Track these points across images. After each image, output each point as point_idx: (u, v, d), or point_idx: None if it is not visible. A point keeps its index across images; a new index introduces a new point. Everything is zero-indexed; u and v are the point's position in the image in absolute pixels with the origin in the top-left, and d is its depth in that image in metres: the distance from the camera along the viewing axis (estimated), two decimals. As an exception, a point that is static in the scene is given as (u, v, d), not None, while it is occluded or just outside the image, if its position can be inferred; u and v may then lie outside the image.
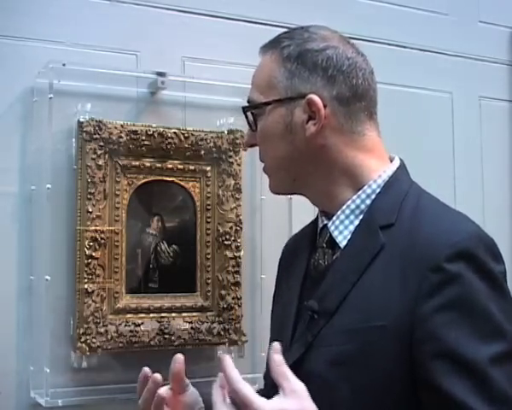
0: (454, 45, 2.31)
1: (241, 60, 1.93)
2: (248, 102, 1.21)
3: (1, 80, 1.69)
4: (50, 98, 1.65)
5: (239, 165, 1.86)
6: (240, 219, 1.85)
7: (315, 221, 1.26)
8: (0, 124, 1.69)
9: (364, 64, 1.18)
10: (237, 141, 1.86)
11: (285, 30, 1.23)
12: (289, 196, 1.93)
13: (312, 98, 1.13)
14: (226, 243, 1.83)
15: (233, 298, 1.83)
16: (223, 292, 1.83)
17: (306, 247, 1.23)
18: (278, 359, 0.94)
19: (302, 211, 1.91)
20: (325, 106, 1.13)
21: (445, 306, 0.99)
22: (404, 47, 2.21)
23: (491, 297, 1.00)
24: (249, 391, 0.89)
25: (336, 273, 1.12)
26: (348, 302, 1.07)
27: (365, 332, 1.04)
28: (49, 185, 1.65)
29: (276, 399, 0.91)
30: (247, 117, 1.22)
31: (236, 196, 1.85)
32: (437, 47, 2.28)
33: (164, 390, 1.22)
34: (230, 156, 1.85)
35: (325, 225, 1.18)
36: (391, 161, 1.19)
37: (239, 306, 1.84)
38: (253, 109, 1.20)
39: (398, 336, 1.01)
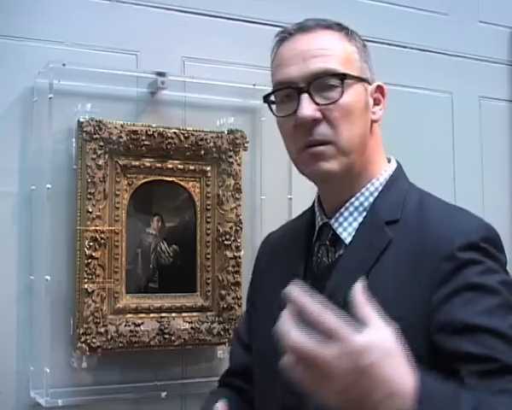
0: (454, 45, 2.31)
1: (241, 60, 1.93)
2: (318, 75, 1.12)
3: (1, 80, 1.69)
4: (50, 98, 1.65)
5: (239, 165, 1.86)
6: (240, 219, 1.85)
7: (306, 218, 1.25)
8: (0, 124, 1.69)
9: None
10: (237, 141, 1.86)
11: (277, 29, 1.24)
12: (289, 196, 1.93)
13: (382, 85, 1.18)
14: (226, 243, 1.83)
15: (233, 298, 1.83)
16: (223, 292, 1.83)
17: (300, 245, 1.22)
18: (363, 300, 0.85)
19: (302, 211, 1.92)
20: None
21: (460, 289, 1.01)
22: (404, 47, 2.21)
23: (502, 281, 1.04)
24: (336, 319, 0.81)
25: (343, 269, 1.13)
26: None
27: None
28: (49, 185, 1.65)
29: (370, 331, 0.82)
30: (342, 84, 1.11)
31: (236, 196, 1.85)
32: (437, 47, 2.28)
33: None
34: (230, 156, 1.85)
35: (326, 223, 1.18)
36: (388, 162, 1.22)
37: (239, 306, 1.84)
38: (339, 80, 1.11)
39: (413, 325, 1.02)
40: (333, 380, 0.80)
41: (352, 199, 1.16)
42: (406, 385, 0.82)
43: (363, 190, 1.16)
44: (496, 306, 1.01)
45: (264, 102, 1.20)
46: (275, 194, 1.93)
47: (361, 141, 1.14)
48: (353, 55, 1.16)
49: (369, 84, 1.17)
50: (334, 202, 1.18)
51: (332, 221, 1.17)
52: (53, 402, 1.62)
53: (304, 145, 1.13)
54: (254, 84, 1.89)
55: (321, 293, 1.09)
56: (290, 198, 1.93)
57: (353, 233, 1.15)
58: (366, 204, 1.16)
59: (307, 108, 1.11)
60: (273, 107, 1.19)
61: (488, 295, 1.01)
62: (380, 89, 1.19)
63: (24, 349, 1.67)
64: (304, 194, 1.93)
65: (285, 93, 1.15)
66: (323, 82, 1.12)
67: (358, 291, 0.86)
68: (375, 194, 1.16)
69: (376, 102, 1.18)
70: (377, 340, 0.82)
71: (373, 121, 1.17)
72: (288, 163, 1.92)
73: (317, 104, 1.11)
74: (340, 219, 1.17)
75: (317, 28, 1.17)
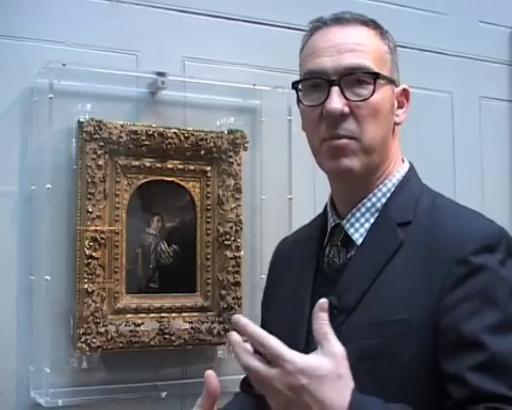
0: (454, 45, 2.31)
1: (241, 60, 1.93)
2: (351, 70, 1.12)
3: (1, 80, 1.69)
4: (50, 98, 1.65)
5: (239, 165, 1.86)
6: (240, 219, 1.85)
7: (319, 221, 1.26)
8: (0, 124, 1.69)
9: None
10: (237, 141, 1.86)
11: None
12: (289, 196, 1.93)
13: (408, 89, 1.19)
14: (226, 243, 1.83)
15: (233, 298, 1.83)
16: (223, 292, 1.83)
17: (312, 247, 1.23)
18: (323, 316, 0.94)
19: (302, 211, 1.92)
20: None
21: (470, 295, 1.01)
22: (404, 47, 2.21)
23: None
24: (279, 344, 0.90)
25: (354, 270, 1.13)
26: (369, 298, 1.09)
27: (389, 326, 1.05)
28: (49, 185, 1.65)
29: (312, 355, 0.91)
30: (375, 83, 1.12)
31: (236, 196, 1.85)
32: (437, 47, 2.28)
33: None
34: (230, 156, 1.85)
35: (337, 224, 1.19)
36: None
37: (239, 306, 1.84)
38: (371, 78, 1.12)
39: (422, 329, 1.03)
40: (278, 395, 0.91)
41: (365, 200, 1.16)
42: (339, 407, 0.90)
43: (375, 190, 1.16)
44: (501, 322, 1.00)
45: (293, 88, 1.19)
46: (275, 194, 1.93)
47: (383, 142, 1.15)
48: (386, 55, 1.17)
49: (397, 86, 1.18)
50: (347, 202, 1.19)
51: (344, 222, 1.18)
52: (53, 402, 1.62)
53: (327, 137, 1.13)
54: (254, 84, 1.89)
55: (331, 294, 1.11)
56: (290, 198, 1.93)
57: (365, 234, 1.15)
58: (378, 205, 1.16)
59: (337, 101, 1.10)
60: (300, 94, 1.17)
61: (498, 307, 1.01)
62: (405, 92, 1.20)
63: (24, 349, 1.67)
64: (304, 194, 1.94)
65: (314, 82, 1.15)
66: (356, 78, 1.12)
67: (322, 308, 0.95)
68: (388, 195, 1.16)
69: (400, 105, 1.19)
70: (313, 364, 0.90)
71: (396, 124, 1.18)
72: (288, 163, 1.93)
73: (347, 99, 1.11)
74: (352, 220, 1.17)
75: (354, 22, 1.17)
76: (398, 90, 1.19)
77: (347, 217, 1.17)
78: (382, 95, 1.14)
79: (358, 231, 1.16)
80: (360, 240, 1.15)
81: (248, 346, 0.93)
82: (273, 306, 1.31)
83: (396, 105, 1.18)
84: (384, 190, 1.17)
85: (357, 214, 1.16)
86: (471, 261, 1.02)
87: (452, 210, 1.14)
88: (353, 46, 1.13)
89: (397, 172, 1.18)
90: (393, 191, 1.16)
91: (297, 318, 1.17)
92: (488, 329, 0.99)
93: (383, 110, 1.14)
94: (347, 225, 1.17)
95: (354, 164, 1.13)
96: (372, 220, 1.15)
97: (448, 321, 1.01)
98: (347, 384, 0.92)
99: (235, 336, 0.93)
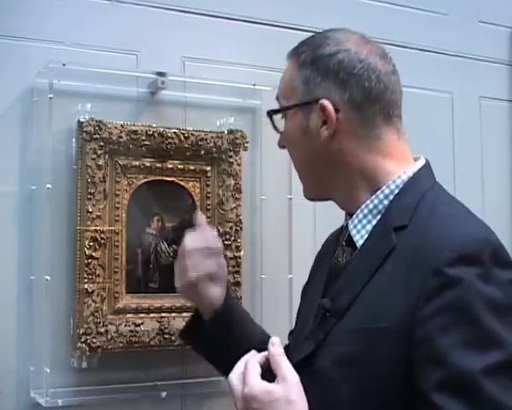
0: (454, 45, 2.31)
1: (241, 60, 1.93)
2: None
3: (1, 80, 1.69)
4: (50, 98, 1.65)
5: (239, 165, 1.86)
6: (240, 219, 1.85)
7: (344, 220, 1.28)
8: (0, 124, 1.69)
9: (380, 65, 1.18)
10: (237, 141, 1.86)
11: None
12: (289, 196, 1.93)
13: (323, 103, 1.15)
14: (226, 243, 1.83)
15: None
16: (223, 292, 1.83)
17: (332, 245, 1.26)
18: (275, 350, 1.04)
19: (302, 211, 1.93)
20: (338, 110, 1.15)
21: (442, 310, 0.98)
22: (404, 47, 2.21)
23: (491, 304, 0.98)
24: (253, 369, 1.04)
25: (350, 272, 1.14)
26: (359, 302, 1.09)
27: (369, 333, 1.04)
28: (49, 185, 1.65)
29: (268, 382, 1.02)
30: (272, 120, 1.26)
31: (236, 196, 1.85)
32: (437, 47, 2.28)
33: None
34: (230, 156, 1.85)
35: (346, 224, 1.20)
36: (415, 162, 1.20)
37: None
38: (276, 113, 1.25)
39: (399, 338, 1.01)
40: None
41: (367, 202, 1.16)
42: None
43: (378, 192, 1.16)
44: (471, 340, 0.96)
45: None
46: (275, 194, 1.93)
47: (310, 163, 1.20)
48: (295, 82, 1.19)
49: (317, 102, 1.16)
50: (347, 208, 1.21)
51: (349, 223, 1.19)
52: (53, 402, 1.62)
53: None
54: (254, 84, 1.89)
55: (327, 296, 1.13)
56: (290, 198, 1.93)
57: (366, 236, 1.15)
58: (381, 207, 1.15)
59: (279, 137, 1.29)
60: None
61: (470, 323, 0.97)
62: (321, 107, 1.16)
63: (24, 349, 1.66)
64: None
65: None
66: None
67: (275, 345, 1.05)
68: (391, 197, 1.15)
69: (326, 121, 1.16)
70: (266, 390, 1.00)
71: (325, 140, 1.16)
72: (288, 163, 1.93)
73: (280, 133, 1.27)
74: (355, 222, 1.17)
75: (287, 58, 1.25)
76: (317, 107, 1.16)
77: (352, 218, 1.18)
78: (290, 124, 1.22)
79: (360, 232, 1.16)
80: (361, 242, 1.15)
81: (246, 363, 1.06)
82: (302, 299, 1.39)
83: (319, 123, 1.16)
84: (387, 191, 1.15)
85: (360, 216, 1.17)
86: (445, 273, 0.98)
87: (444, 214, 1.11)
88: (279, 85, 1.26)
89: (403, 173, 1.16)
90: (397, 193, 1.15)
91: (309, 313, 1.21)
92: (456, 346, 0.95)
93: (293, 138, 1.22)
94: (351, 226, 1.18)
95: (304, 191, 1.27)
96: (374, 222, 1.15)
97: (419, 334, 0.99)
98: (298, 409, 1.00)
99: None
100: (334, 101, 1.15)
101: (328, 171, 1.19)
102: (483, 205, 2.24)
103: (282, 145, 1.28)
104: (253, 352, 1.08)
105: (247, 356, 1.07)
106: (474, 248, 1.01)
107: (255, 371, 1.02)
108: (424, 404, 0.97)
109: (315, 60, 1.16)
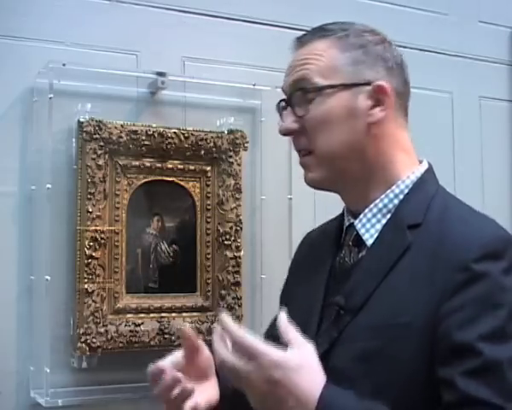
0: (454, 45, 2.31)
1: (241, 60, 1.93)
2: (296, 87, 1.17)
3: (1, 80, 1.69)
4: (50, 98, 1.65)
5: (239, 165, 1.86)
6: (240, 219, 1.85)
7: (339, 219, 1.27)
8: (0, 124, 1.69)
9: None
10: (237, 141, 1.86)
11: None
12: (289, 196, 1.93)
13: (382, 84, 1.15)
14: (226, 243, 1.83)
15: (233, 298, 1.83)
16: (223, 292, 1.83)
17: (330, 245, 1.24)
18: (285, 321, 1.00)
19: (302, 211, 1.93)
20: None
21: (468, 302, 1.00)
22: (404, 47, 2.20)
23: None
24: (253, 340, 0.96)
25: (363, 271, 1.13)
26: (374, 300, 1.09)
27: (390, 329, 1.05)
28: (49, 185, 1.65)
29: (284, 351, 0.97)
30: (288, 103, 1.18)
31: (236, 196, 1.85)
32: (437, 47, 2.28)
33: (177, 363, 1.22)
34: (230, 156, 1.85)
35: (352, 224, 1.19)
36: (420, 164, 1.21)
37: (239, 306, 1.84)
38: (315, 92, 1.15)
39: (421, 334, 1.02)
40: (254, 388, 0.97)
41: (377, 200, 1.16)
42: (311, 396, 0.95)
43: (387, 191, 1.16)
44: (497, 330, 0.99)
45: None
46: (275, 194, 1.93)
47: (346, 147, 1.15)
48: (340, 61, 1.16)
49: (367, 85, 1.15)
50: (354, 205, 1.20)
51: (356, 222, 1.18)
52: (53, 402, 1.62)
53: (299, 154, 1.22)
54: (254, 84, 1.89)
55: (340, 294, 1.12)
56: (290, 198, 1.93)
57: (375, 235, 1.15)
58: (390, 206, 1.15)
59: (285, 120, 1.19)
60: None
61: (497, 315, 1.00)
62: (379, 88, 1.15)
63: (24, 349, 1.67)
64: (304, 194, 1.93)
65: (282, 104, 1.22)
66: (301, 94, 1.16)
67: (283, 320, 1.00)
68: (401, 196, 1.15)
69: (377, 103, 1.15)
70: (287, 358, 0.96)
71: (370, 123, 1.15)
72: (288, 163, 1.93)
73: (297, 116, 1.17)
74: (364, 221, 1.17)
75: (312, 39, 1.19)
76: (369, 89, 1.15)
77: (360, 217, 1.17)
78: (331, 104, 1.15)
79: (369, 231, 1.16)
80: (370, 241, 1.15)
81: (228, 343, 0.99)
82: (293, 300, 1.32)
83: (367, 105, 1.15)
84: (396, 191, 1.16)
85: (369, 215, 1.16)
86: (472, 268, 1.02)
87: (462, 215, 1.13)
88: (300, 63, 1.18)
89: (411, 173, 1.17)
90: (407, 193, 1.15)
91: (309, 313, 1.20)
92: (483, 336, 0.98)
93: (334, 118, 1.15)
94: (359, 226, 1.17)
95: (317, 175, 1.18)
96: (384, 221, 1.15)
97: (445, 327, 1.01)
98: (319, 375, 0.98)
99: (217, 332, 1.02)
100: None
101: (355, 159, 1.16)
102: (483, 205, 2.23)
103: (291, 131, 1.18)
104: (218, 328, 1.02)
105: (217, 334, 1.01)
106: (498, 245, 1.05)
107: (259, 341, 0.96)
108: (450, 391, 0.99)
109: (364, 44, 1.18)
